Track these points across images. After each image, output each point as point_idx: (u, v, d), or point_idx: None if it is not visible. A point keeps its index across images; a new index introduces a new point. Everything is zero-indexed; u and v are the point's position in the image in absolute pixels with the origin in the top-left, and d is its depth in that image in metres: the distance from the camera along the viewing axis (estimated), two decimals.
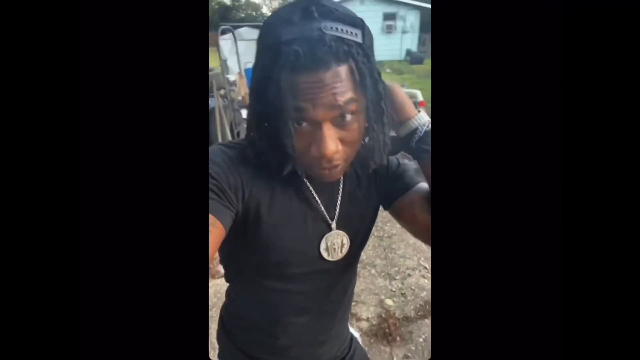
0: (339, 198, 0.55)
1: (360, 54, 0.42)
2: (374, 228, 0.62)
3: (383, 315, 1.67)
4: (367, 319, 1.65)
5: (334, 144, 0.43)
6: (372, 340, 1.55)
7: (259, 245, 0.52)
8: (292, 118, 0.42)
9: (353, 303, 1.70)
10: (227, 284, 0.66)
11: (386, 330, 1.59)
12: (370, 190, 0.58)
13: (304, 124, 0.43)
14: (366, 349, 1.50)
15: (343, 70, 0.41)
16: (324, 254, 0.55)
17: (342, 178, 0.56)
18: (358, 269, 2.02)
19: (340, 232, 0.55)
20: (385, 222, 2.44)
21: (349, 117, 0.43)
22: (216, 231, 0.43)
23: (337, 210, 0.55)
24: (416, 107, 0.52)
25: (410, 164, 0.59)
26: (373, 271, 1.99)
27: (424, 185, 0.55)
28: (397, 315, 1.67)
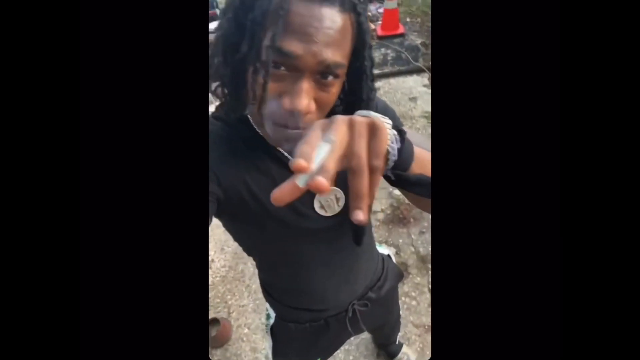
0: None
1: (363, 10, 0.39)
2: None
3: (394, 204, 1.88)
4: (382, 210, 1.87)
5: (307, 101, 0.39)
6: (390, 227, 1.79)
7: (255, 224, 0.51)
8: (272, 56, 0.36)
9: None
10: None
11: (400, 215, 1.82)
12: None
13: (282, 67, 0.38)
14: (386, 234, 1.73)
15: (344, 19, 0.37)
16: (320, 212, 0.53)
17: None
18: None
19: (333, 188, 0.53)
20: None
21: (331, 78, 0.39)
22: None
23: None
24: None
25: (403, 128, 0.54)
26: None
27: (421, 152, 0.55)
28: (406, 200, 1.88)
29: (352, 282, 0.67)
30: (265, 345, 0.82)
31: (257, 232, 0.54)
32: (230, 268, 1.70)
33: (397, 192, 1.93)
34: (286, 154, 0.50)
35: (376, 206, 1.89)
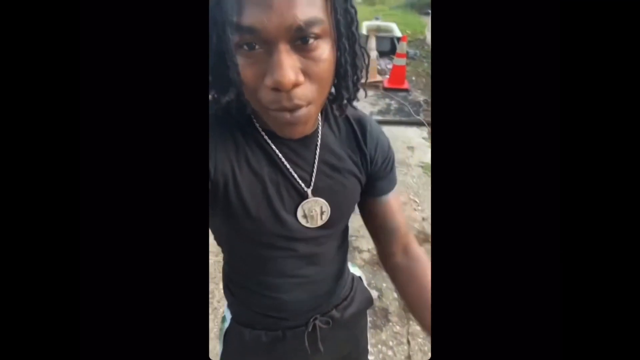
0: (315, 167, 0.49)
1: None
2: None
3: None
4: (368, 250, 1.79)
5: (292, 72, 0.35)
6: (375, 269, 1.70)
7: (232, 219, 0.48)
8: (237, 36, 0.34)
9: (354, 237, 1.83)
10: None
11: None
12: (351, 160, 0.53)
13: (257, 46, 0.35)
14: (370, 276, 1.64)
15: None
16: (302, 221, 0.50)
17: (318, 143, 0.50)
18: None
19: (319, 199, 0.50)
20: None
21: (312, 41, 0.35)
22: None
23: (314, 179, 0.49)
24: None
25: (390, 151, 0.56)
26: None
27: (394, 194, 0.56)
28: None
29: (317, 295, 0.62)
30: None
31: (231, 228, 0.50)
32: None
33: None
34: (282, 156, 0.47)
35: (362, 244, 1.81)
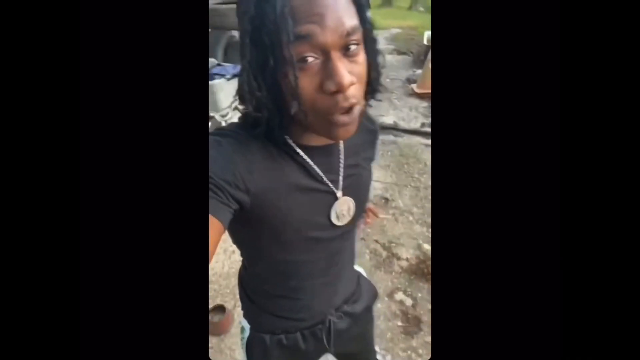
0: (341, 170, 0.55)
1: None
2: (410, 179, 0.68)
3: (421, 257, 1.83)
4: (407, 259, 1.82)
5: (348, 74, 0.40)
6: (412, 277, 1.73)
7: (271, 232, 0.52)
8: (292, 52, 0.38)
9: (393, 244, 1.86)
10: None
11: (424, 270, 1.76)
12: (368, 156, 0.61)
13: (310, 58, 0.39)
14: (407, 284, 1.66)
15: None
16: (335, 222, 0.56)
17: (341, 150, 0.55)
18: (396, 215, 2.05)
19: (347, 198, 0.56)
20: (421, 174, 2.53)
21: (353, 47, 0.40)
22: (214, 229, 0.42)
23: (341, 182, 0.55)
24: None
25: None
26: (411, 218, 2.13)
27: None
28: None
29: (334, 293, 0.68)
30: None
31: (268, 239, 0.54)
32: None
33: (426, 246, 1.88)
34: (315, 167, 0.52)
35: (402, 252, 1.85)
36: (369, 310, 0.77)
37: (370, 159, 0.62)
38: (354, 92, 0.42)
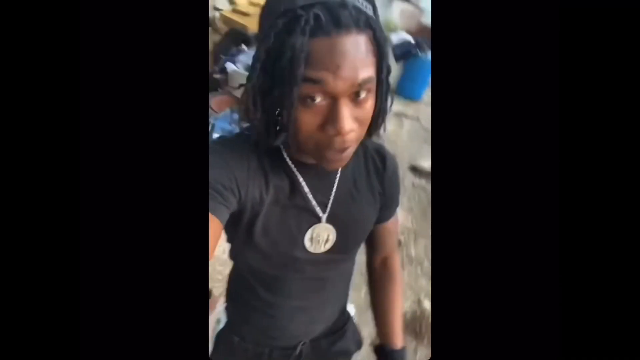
0: (332, 194, 0.54)
1: (377, 24, 0.40)
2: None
3: (418, 314, 1.72)
4: (403, 313, 1.72)
5: (350, 121, 0.41)
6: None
7: (253, 242, 0.52)
8: (302, 90, 0.39)
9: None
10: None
11: (417, 329, 1.66)
12: (369, 190, 0.58)
13: (318, 99, 0.40)
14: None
15: (363, 39, 0.39)
16: (307, 244, 0.54)
17: (338, 173, 0.54)
18: (405, 262, 1.99)
19: (329, 226, 0.54)
20: None
21: (363, 94, 0.41)
22: (214, 227, 0.43)
23: (329, 206, 0.54)
24: None
25: (398, 177, 0.62)
26: (419, 270, 2.03)
27: (393, 218, 0.63)
28: (428, 316, 1.71)
29: (311, 322, 0.65)
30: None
31: (249, 246, 0.54)
32: None
33: (426, 303, 1.77)
34: (304, 184, 0.52)
35: None
36: (347, 355, 0.73)
37: (377, 192, 0.59)
38: (352, 137, 0.43)
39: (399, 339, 0.65)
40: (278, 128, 0.43)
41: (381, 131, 0.50)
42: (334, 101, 0.40)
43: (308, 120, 0.41)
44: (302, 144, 0.45)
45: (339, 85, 0.39)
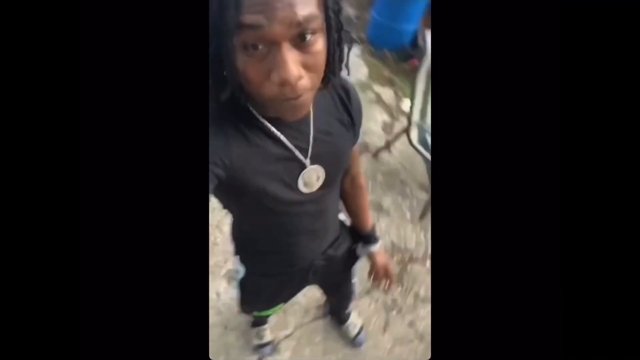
0: (311, 139, 0.56)
1: None
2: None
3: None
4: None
5: (296, 68, 0.39)
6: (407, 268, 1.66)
7: (251, 200, 0.56)
8: (239, 39, 0.37)
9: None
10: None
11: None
12: (342, 122, 0.60)
13: (260, 46, 0.38)
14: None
15: None
16: (302, 188, 0.59)
17: (310, 118, 0.55)
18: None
19: (316, 167, 0.58)
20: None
21: (309, 37, 0.39)
22: None
23: (310, 150, 0.56)
24: None
25: (361, 105, 0.64)
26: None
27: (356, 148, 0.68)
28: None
29: (321, 243, 0.78)
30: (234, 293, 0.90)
31: (250, 205, 0.59)
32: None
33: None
34: (282, 137, 0.53)
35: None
36: (350, 253, 0.89)
37: (348, 123, 0.62)
38: (304, 83, 0.41)
39: (370, 226, 0.86)
40: (227, 81, 0.42)
41: (344, 74, 0.49)
42: (275, 47, 0.38)
43: (254, 70, 0.39)
44: (257, 97, 0.43)
45: (276, 28, 0.36)
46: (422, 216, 1.80)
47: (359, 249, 0.89)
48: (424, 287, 1.61)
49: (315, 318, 1.47)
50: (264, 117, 0.52)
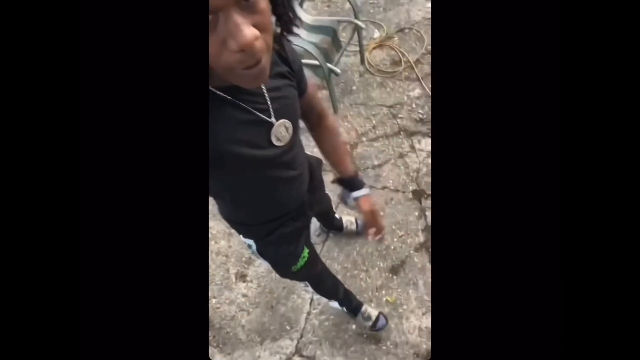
0: (267, 97, 0.61)
1: None
2: None
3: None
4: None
5: (249, 30, 0.38)
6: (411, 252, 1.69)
7: (230, 170, 0.61)
8: None
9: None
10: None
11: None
12: (284, 77, 0.65)
13: (209, 17, 0.37)
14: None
15: None
16: (277, 143, 0.65)
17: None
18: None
19: (282, 120, 0.64)
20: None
21: None
22: None
23: (270, 107, 0.61)
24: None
25: (296, 54, 0.68)
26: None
27: (311, 87, 0.74)
28: None
29: (303, 182, 0.83)
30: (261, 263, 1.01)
31: (231, 176, 0.64)
32: None
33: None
34: (243, 104, 0.57)
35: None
36: (321, 175, 0.98)
37: (288, 74, 0.66)
38: (260, 45, 0.41)
39: (350, 169, 0.89)
40: None
41: (294, 34, 0.50)
42: (224, 14, 0.38)
43: (210, 41, 0.39)
44: (217, 69, 0.43)
45: None
46: None
47: (345, 196, 0.91)
48: None
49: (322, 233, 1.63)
50: (217, 88, 0.53)
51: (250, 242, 0.89)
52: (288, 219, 0.85)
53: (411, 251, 1.59)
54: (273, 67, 0.59)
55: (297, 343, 1.41)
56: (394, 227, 1.65)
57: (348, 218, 1.62)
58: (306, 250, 0.98)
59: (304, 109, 0.76)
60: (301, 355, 1.39)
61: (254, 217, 0.83)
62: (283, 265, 0.97)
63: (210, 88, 0.53)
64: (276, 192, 0.76)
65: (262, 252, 0.91)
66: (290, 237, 0.89)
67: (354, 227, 1.61)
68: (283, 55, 0.64)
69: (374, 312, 1.37)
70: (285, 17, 0.47)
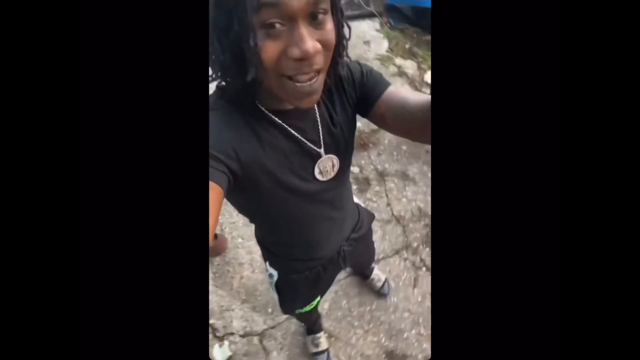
0: (320, 128, 0.58)
1: None
2: None
3: (356, 133, 1.86)
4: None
5: (311, 42, 0.41)
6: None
7: (267, 194, 0.58)
8: (258, 18, 0.39)
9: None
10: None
11: (360, 142, 2.02)
12: (344, 107, 0.61)
13: (277, 25, 0.40)
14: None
15: None
16: (319, 177, 0.62)
17: (315, 107, 0.58)
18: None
19: (331, 155, 0.61)
20: None
21: (321, 16, 0.42)
22: (215, 193, 0.45)
23: (321, 139, 0.59)
24: None
25: (371, 67, 0.63)
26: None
27: (393, 87, 0.60)
28: (364, 129, 2.03)
29: (343, 231, 0.82)
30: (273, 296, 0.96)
31: (267, 200, 0.60)
32: None
33: (359, 123, 1.87)
34: (292, 130, 0.55)
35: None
36: (369, 229, 0.97)
37: (352, 101, 0.62)
38: (319, 59, 0.43)
39: None
40: (247, 62, 0.43)
41: (345, 58, 0.51)
42: (293, 23, 0.40)
43: (272, 48, 0.41)
44: (270, 79, 0.45)
45: (294, 4, 0.39)
46: None
47: None
48: None
49: (348, 275, 1.58)
50: (271, 110, 0.53)
51: (274, 272, 0.86)
52: (318, 266, 0.82)
53: None
54: (334, 97, 0.60)
55: None
56: None
57: (379, 273, 1.51)
58: (318, 299, 0.96)
59: (394, 115, 0.60)
60: None
61: (285, 250, 0.80)
62: (290, 305, 0.95)
63: (262, 109, 0.53)
64: (313, 229, 0.72)
65: (279, 287, 0.88)
66: (313, 284, 0.87)
67: (379, 284, 1.49)
68: (353, 80, 0.60)
69: (324, 344, 1.38)
70: (344, 41, 0.48)
